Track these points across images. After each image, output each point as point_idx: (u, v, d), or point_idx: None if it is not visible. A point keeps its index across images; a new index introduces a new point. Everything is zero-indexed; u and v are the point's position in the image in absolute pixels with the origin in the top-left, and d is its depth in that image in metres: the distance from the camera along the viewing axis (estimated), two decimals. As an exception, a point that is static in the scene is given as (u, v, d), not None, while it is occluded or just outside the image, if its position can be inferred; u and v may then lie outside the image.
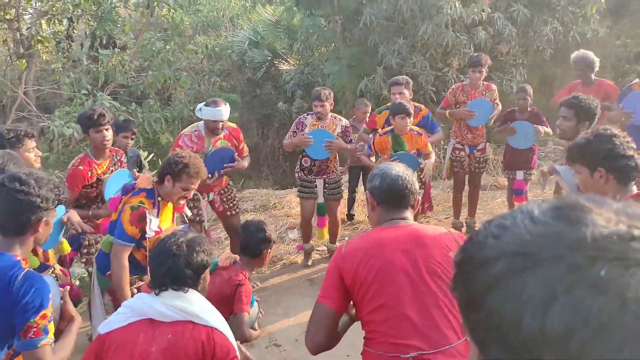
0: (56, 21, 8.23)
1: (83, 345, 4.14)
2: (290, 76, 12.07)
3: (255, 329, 3.72)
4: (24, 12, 8.20)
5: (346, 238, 6.16)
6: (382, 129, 4.98)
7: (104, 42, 9.07)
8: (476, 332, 0.60)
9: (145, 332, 2.11)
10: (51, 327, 2.06)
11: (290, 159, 10.89)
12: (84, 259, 4.07)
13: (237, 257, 3.39)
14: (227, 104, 4.58)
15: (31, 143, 3.51)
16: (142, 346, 2.07)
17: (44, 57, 9.53)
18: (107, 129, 3.92)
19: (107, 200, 3.81)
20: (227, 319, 2.34)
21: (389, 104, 5.31)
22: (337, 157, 5.33)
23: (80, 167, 3.90)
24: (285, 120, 11.66)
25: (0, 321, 2.02)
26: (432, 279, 1.99)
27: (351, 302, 2.15)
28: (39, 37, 7.69)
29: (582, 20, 8.46)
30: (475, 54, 5.81)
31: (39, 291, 2.02)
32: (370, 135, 5.16)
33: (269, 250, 3.36)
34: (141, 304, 2.17)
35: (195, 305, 2.18)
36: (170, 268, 2.17)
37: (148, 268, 2.32)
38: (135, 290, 3.46)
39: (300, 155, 5.23)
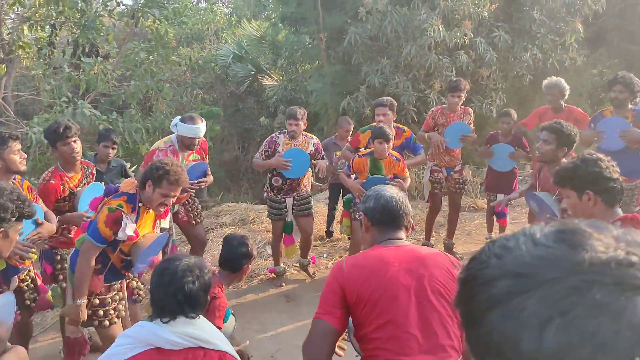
0: (39, 27, 8.14)
1: (53, 356, 4.06)
2: (273, 91, 12.09)
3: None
4: (5, 17, 8.10)
5: (325, 254, 6.16)
6: (365, 148, 5.02)
7: (87, 50, 8.99)
8: (477, 347, 0.62)
9: None
10: None
11: (270, 173, 10.85)
12: (58, 274, 3.95)
13: (216, 269, 3.36)
14: (204, 120, 4.57)
15: (16, 145, 3.44)
16: None
17: (25, 63, 9.40)
18: (74, 141, 3.80)
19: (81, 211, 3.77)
20: None
21: (373, 123, 5.36)
22: (310, 173, 5.37)
23: (52, 182, 3.78)
24: (267, 135, 11.58)
25: None
26: (436, 298, 2.01)
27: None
28: (20, 43, 7.59)
29: (560, 49, 8.67)
30: (455, 79, 5.91)
31: None
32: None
33: (249, 265, 3.34)
34: (147, 333, 2.06)
35: (205, 331, 2.12)
36: (188, 294, 2.09)
37: (150, 296, 2.21)
38: (117, 297, 3.41)
39: (270, 175, 5.22)
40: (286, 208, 5.20)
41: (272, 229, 5.41)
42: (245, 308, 4.90)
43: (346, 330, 2.18)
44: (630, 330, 0.50)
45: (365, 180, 4.67)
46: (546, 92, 5.44)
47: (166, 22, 8.54)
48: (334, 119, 9.18)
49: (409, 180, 4.97)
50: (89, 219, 3.42)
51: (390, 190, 2.28)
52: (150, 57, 8.47)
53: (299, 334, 4.47)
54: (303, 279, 5.58)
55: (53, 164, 4.03)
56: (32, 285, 3.55)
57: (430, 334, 1.96)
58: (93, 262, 3.15)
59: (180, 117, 4.58)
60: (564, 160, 3.48)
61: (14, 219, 2.12)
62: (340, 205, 6.53)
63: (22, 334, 3.49)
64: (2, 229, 2.10)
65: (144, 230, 3.31)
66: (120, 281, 3.46)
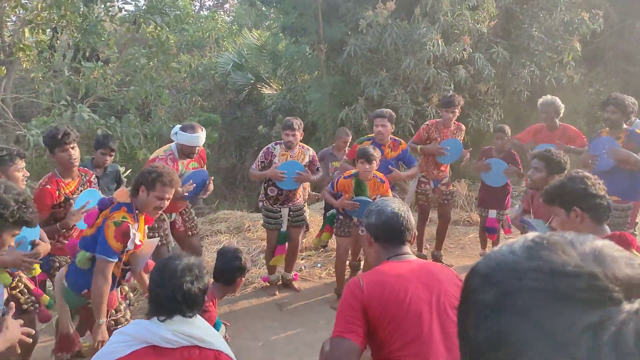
0: (40, 30, 8.17)
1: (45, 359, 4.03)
2: (272, 100, 12.13)
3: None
4: (7, 19, 8.12)
5: (319, 264, 6.15)
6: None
7: (87, 54, 9.03)
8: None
9: None
10: None
11: (266, 182, 10.86)
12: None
13: (211, 280, 3.36)
14: (203, 129, 4.59)
15: (21, 163, 3.52)
16: None
17: (24, 66, 9.42)
18: (73, 147, 3.83)
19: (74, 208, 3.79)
20: None
21: (370, 134, 5.39)
22: (308, 183, 5.38)
23: (48, 187, 3.81)
24: (264, 144, 11.58)
25: None
26: (453, 313, 1.99)
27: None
28: (21, 45, 7.61)
29: (558, 66, 8.74)
30: (449, 94, 5.97)
31: None
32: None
33: (242, 279, 3.35)
34: (143, 331, 2.07)
35: (202, 330, 2.14)
36: (186, 293, 2.11)
37: (148, 294, 2.22)
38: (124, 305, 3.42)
39: (266, 184, 5.23)
40: (281, 218, 5.20)
41: (267, 238, 5.41)
42: (237, 316, 4.90)
43: None
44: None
45: (354, 198, 4.70)
46: (541, 110, 5.48)
47: (167, 29, 8.58)
48: (331, 130, 9.21)
49: None
50: (85, 214, 3.46)
51: (393, 205, 2.23)
52: (151, 63, 8.51)
53: (290, 343, 4.48)
54: (296, 288, 5.58)
55: (50, 167, 4.05)
56: (26, 291, 3.55)
57: (452, 347, 1.95)
58: (110, 279, 3.17)
59: (180, 125, 4.59)
60: None
61: (11, 220, 2.08)
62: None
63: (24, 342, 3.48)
64: None
65: (141, 237, 3.33)
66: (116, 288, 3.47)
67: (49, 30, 8.58)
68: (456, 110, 5.56)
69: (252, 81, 12.82)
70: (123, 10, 8.91)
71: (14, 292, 3.43)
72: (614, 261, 0.59)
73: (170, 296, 2.10)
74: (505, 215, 5.85)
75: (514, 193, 8.26)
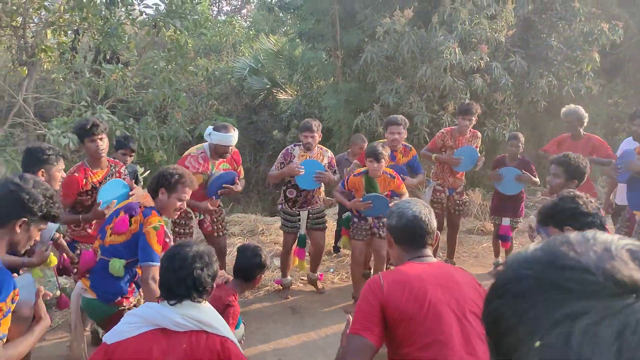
0: (62, 32, 8.31)
1: (58, 356, 4.08)
2: (287, 105, 12.19)
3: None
4: (30, 21, 8.28)
5: (331, 269, 6.16)
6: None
7: (108, 56, 9.16)
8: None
9: (159, 343, 2.10)
10: (4, 322, 1.98)
11: (280, 186, 10.91)
12: (74, 267, 4.04)
13: (230, 277, 3.41)
14: (236, 129, 4.68)
15: (62, 165, 3.62)
16: (157, 357, 2.06)
17: (45, 66, 9.58)
18: (101, 139, 4.00)
19: (98, 202, 3.86)
20: None
21: (382, 140, 5.42)
22: (322, 187, 5.39)
23: (76, 174, 3.97)
24: (279, 149, 11.66)
25: None
26: (472, 316, 2.00)
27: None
28: (43, 46, 7.75)
29: (577, 77, 8.68)
30: (467, 102, 5.96)
31: None
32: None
33: (262, 275, 3.41)
34: (154, 314, 2.15)
35: (209, 316, 2.20)
36: (197, 279, 2.19)
37: (159, 279, 2.30)
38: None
39: (285, 187, 5.26)
40: (300, 221, 5.23)
41: (283, 241, 5.43)
42: (250, 318, 4.92)
43: None
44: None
45: (361, 199, 4.72)
46: (564, 120, 5.47)
47: (187, 33, 8.68)
48: (346, 136, 9.24)
49: (407, 196, 4.99)
50: (109, 211, 3.54)
51: (414, 208, 2.21)
52: (169, 66, 8.62)
53: (302, 347, 4.49)
54: (309, 292, 5.60)
55: (68, 167, 4.14)
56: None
57: (471, 352, 1.94)
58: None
59: (212, 126, 4.69)
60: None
61: (40, 214, 2.12)
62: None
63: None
64: (25, 219, 2.09)
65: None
66: None
67: (70, 32, 8.73)
68: (473, 118, 5.56)
69: (267, 86, 12.89)
70: (144, 14, 9.03)
71: None
72: (623, 262, 0.61)
73: (181, 282, 2.18)
74: (518, 224, 5.82)
75: (529, 203, 8.22)
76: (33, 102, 8.03)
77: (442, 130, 5.90)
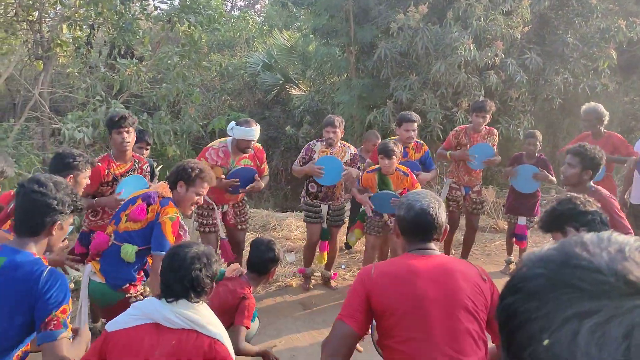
0: (77, 27, 8.36)
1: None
2: (300, 101, 12.19)
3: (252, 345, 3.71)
4: (46, 15, 8.34)
5: (343, 266, 6.17)
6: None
7: (122, 51, 9.20)
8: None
9: (150, 336, 2.17)
10: (69, 322, 2.12)
11: (292, 182, 10.93)
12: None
13: (244, 270, 3.43)
14: (258, 124, 4.68)
15: (89, 172, 3.65)
16: (146, 349, 2.13)
17: (61, 61, 9.65)
18: (127, 131, 4.07)
19: (118, 192, 3.94)
20: (226, 329, 2.39)
21: (394, 137, 5.41)
22: (343, 184, 5.37)
23: (99, 164, 4.03)
24: (291, 144, 11.73)
25: (20, 316, 2.06)
26: (463, 314, 1.99)
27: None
28: (59, 41, 7.80)
29: (593, 74, 8.58)
30: (481, 99, 5.91)
31: (63, 286, 2.09)
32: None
33: (275, 269, 3.44)
34: (152, 308, 2.23)
35: (203, 317, 2.25)
36: (195, 279, 2.23)
37: (160, 277, 2.34)
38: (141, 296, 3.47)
39: (307, 181, 5.27)
40: (322, 212, 5.24)
41: (308, 232, 5.45)
42: (261, 313, 4.91)
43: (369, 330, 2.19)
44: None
45: (372, 194, 4.71)
46: (583, 118, 5.43)
47: (201, 29, 8.69)
48: (359, 132, 9.22)
49: None
50: (122, 201, 3.57)
51: (424, 200, 2.18)
52: (183, 62, 8.63)
53: (313, 342, 4.50)
54: (320, 287, 5.61)
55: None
56: None
57: (457, 349, 1.94)
58: None
59: (235, 121, 4.71)
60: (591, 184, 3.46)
61: (69, 212, 2.24)
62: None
63: None
64: (59, 222, 2.22)
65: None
66: None
67: (85, 26, 8.78)
68: (487, 115, 5.52)
69: (280, 82, 12.89)
70: (158, 9, 9.07)
71: None
72: (635, 263, 0.61)
73: (178, 282, 2.23)
74: (534, 223, 5.78)
75: (543, 202, 8.16)
76: (48, 97, 8.10)
77: (457, 128, 5.87)
